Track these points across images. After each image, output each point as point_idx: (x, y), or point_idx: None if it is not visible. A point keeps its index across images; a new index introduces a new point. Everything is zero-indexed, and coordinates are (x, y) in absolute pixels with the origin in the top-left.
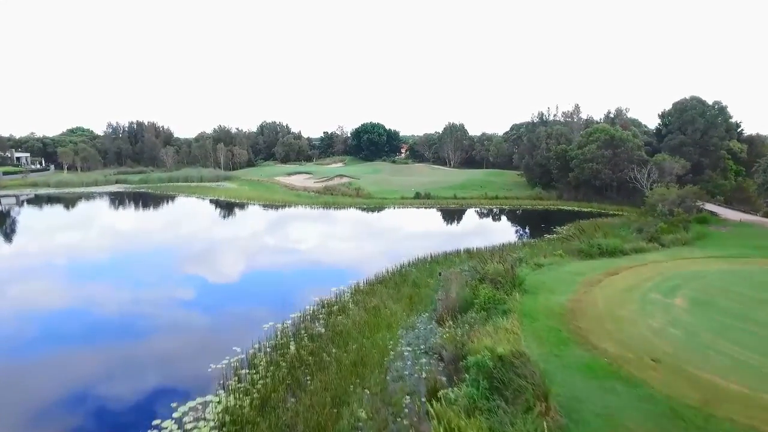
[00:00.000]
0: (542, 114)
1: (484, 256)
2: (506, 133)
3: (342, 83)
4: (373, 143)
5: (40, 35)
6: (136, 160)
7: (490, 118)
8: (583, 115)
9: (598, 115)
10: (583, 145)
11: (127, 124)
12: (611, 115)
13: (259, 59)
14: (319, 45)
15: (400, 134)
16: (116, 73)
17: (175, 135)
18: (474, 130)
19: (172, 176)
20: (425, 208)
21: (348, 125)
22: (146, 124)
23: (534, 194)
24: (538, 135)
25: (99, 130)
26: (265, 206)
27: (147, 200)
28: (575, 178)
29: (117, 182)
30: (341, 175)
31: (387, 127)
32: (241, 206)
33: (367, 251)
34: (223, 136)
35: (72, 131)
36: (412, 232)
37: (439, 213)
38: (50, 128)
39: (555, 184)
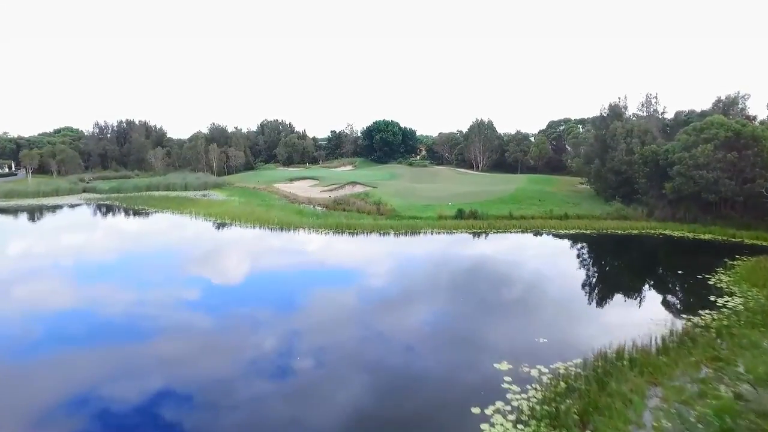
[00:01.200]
0: (616, 105)
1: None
2: (542, 131)
3: (350, 78)
4: (386, 143)
5: (28, 30)
6: (122, 163)
7: (515, 116)
8: (659, 107)
9: (687, 105)
10: (690, 145)
11: (115, 123)
12: (721, 104)
13: (263, 53)
14: (326, 37)
15: (416, 133)
16: (111, 69)
17: (170, 135)
18: (500, 129)
19: (151, 183)
20: (482, 233)
21: (358, 123)
22: (137, 123)
23: (613, 211)
24: (613, 132)
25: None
26: (252, 234)
27: (90, 221)
28: (675, 190)
29: (85, 191)
30: (354, 182)
31: (402, 125)
32: (214, 237)
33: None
34: (217, 136)
35: (58, 131)
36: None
37: (519, 245)
38: (35, 128)
39: (641, 198)
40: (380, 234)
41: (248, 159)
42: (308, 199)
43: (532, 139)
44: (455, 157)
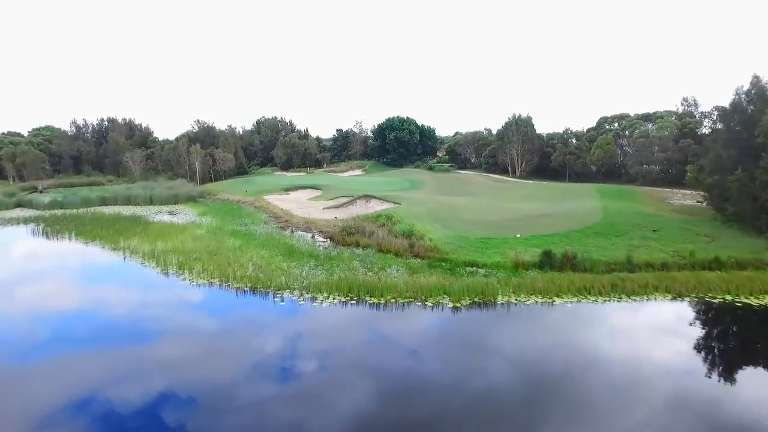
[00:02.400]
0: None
1: None
2: (592, 129)
3: (358, 72)
4: (401, 143)
5: (17, 25)
6: (99, 167)
7: (551, 113)
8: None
9: None
10: None
11: (96, 121)
12: None
13: (262, 44)
14: (330, 25)
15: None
16: (99, 62)
17: (156, 135)
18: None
19: (108, 195)
20: (606, 304)
21: (368, 121)
22: (119, 121)
23: (763, 246)
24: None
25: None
26: (190, 306)
27: None
28: None
29: (20, 205)
30: (368, 196)
31: (419, 123)
32: (109, 321)
33: None
34: (202, 136)
35: (37, 130)
36: None
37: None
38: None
39: None
40: (424, 305)
41: (240, 162)
42: (306, 223)
43: (575, 140)
44: (485, 160)
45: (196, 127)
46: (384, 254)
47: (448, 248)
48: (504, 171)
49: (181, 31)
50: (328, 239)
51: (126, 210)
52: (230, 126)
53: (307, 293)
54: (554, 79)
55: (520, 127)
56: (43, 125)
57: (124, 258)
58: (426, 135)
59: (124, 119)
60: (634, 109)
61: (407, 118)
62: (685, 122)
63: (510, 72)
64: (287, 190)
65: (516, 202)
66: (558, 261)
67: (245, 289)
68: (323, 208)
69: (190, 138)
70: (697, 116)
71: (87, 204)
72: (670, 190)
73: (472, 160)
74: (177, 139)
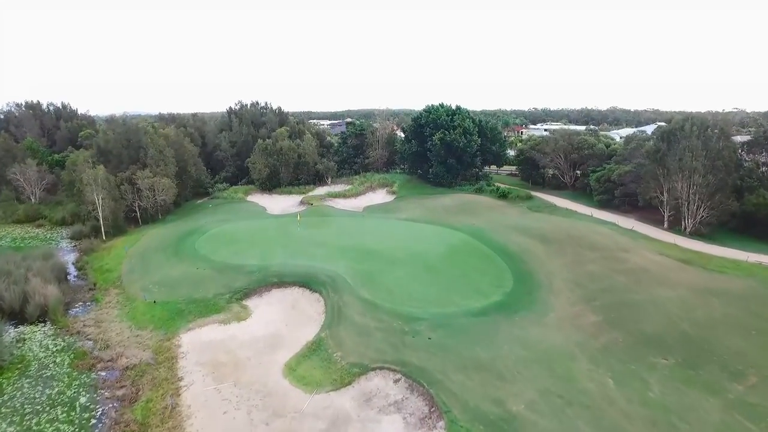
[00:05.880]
0: None
1: None
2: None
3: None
4: (451, 149)
5: None
6: None
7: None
8: None
9: None
10: None
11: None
12: None
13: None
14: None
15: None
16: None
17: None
18: None
19: None
20: None
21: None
22: (46, 107)
23: None
24: None
25: None
26: None
27: None
28: None
29: None
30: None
31: (472, 116)
32: None
33: None
34: (124, 139)
35: None
36: None
37: None
38: None
39: None
40: None
41: (198, 177)
42: None
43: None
44: (600, 185)
45: (115, 127)
46: None
47: None
48: (647, 212)
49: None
50: None
51: None
52: (195, 114)
53: None
54: None
55: (700, 132)
56: None
57: None
58: (486, 134)
59: (29, 102)
60: None
61: (458, 108)
62: None
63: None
64: (245, 294)
65: None
66: None
67: None
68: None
69: (100, 150)
70: None
71: None
72: None
73: (562, 176)
74: (77, 153)
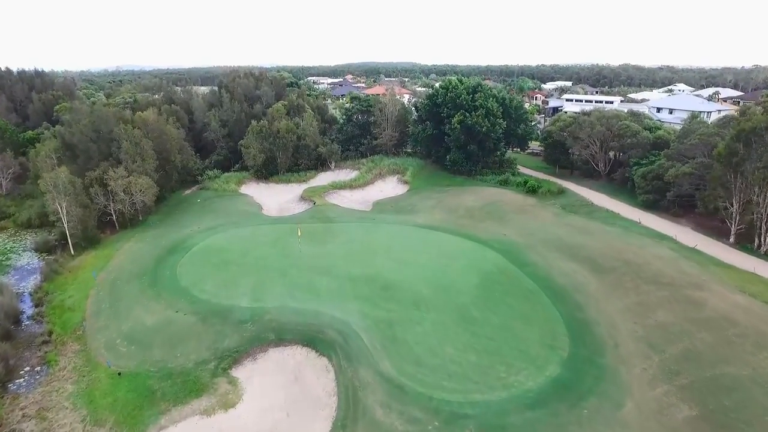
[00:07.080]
0: None
1: None
2: None
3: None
4: (472, 132)
5: None
6: None
7: None
8: None
9: None
10: None
11: None
12: None
13: None
14: None
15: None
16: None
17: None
18: None
19: None
20: None
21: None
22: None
23: None
24: None
25: None
26: None
27: None
28: None
29: None
30: None
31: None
32: None
33: None
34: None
35: None
36: None
37: None
38: None
39: None
40: None
41: (185, 162)
42: None
43: None
44: (647, 183)
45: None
46: None
47: None
48: (705, 219)
49: None
50: None
51: None
52: (185, 88)
53: None
54: None
55: None
56: None
57: None
58: (511, 113)
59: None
60: None
61: (479, 84)
62: None
63: None
64: (235, 360)
65: None
66: None
67: None
68: None
69: (65, 143)
70: None
71: None
72: None
73: (595, 164)
74: (39, 146)
